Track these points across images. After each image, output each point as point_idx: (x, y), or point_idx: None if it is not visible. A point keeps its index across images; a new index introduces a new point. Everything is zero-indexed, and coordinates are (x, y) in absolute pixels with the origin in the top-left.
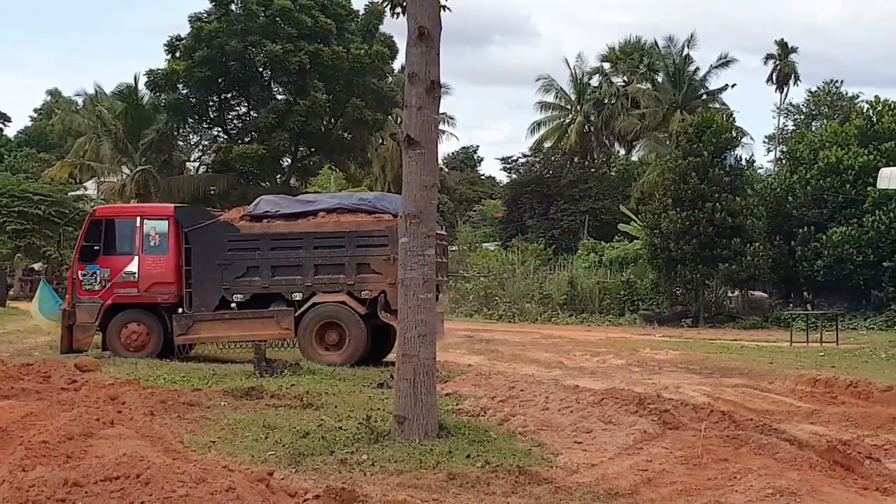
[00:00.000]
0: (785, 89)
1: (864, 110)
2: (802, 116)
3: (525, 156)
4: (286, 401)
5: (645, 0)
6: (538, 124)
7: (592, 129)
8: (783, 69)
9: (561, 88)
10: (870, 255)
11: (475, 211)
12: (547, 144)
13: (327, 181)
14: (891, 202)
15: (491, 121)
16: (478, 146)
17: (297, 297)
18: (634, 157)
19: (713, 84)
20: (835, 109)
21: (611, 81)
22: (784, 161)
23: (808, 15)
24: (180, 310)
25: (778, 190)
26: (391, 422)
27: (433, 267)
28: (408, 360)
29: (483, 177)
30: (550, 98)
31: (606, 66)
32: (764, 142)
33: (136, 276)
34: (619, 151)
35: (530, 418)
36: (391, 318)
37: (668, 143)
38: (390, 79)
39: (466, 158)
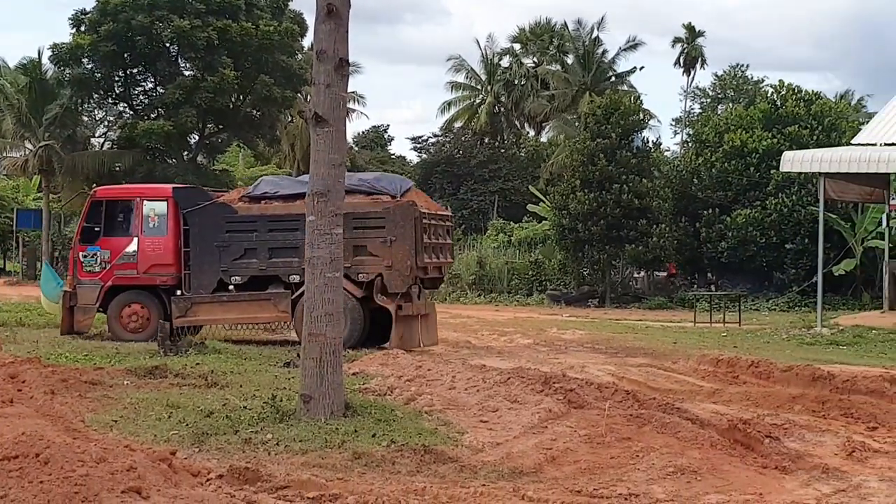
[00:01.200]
0: (692, 73)
1: (769, 94)
2: (708, 100)
3: (435, 136)
4: (190, 380)
5: None
6: (449, 104)
7: (502, 109)
8: (690, 53)
9: (471, 69)
10: (772, 238)
11: None
12: (457, 125)
13: (235, 159)
14: (793, 185)
15: (401, 100)
16: (388, 125)
17: (295, 279)
18: (544, 139)
19: (622, 66)
20: (740, 93)
21: (521, 62)
22: (690, 144)
23: (714, 0)
24: (178, 292)
25: (684, 172)
26: (297, 401)
27: (340, 246)
28: (314, 339)
29: (393, 156)
30: (461, 78)
31: (517, 47)
32: (671, 124)
33: (136, 257)
34: (528, 132)
35: (437, 397)
36: (388, 301)
37: (576, 124)
38: (300, 56)
39: (377, 138)
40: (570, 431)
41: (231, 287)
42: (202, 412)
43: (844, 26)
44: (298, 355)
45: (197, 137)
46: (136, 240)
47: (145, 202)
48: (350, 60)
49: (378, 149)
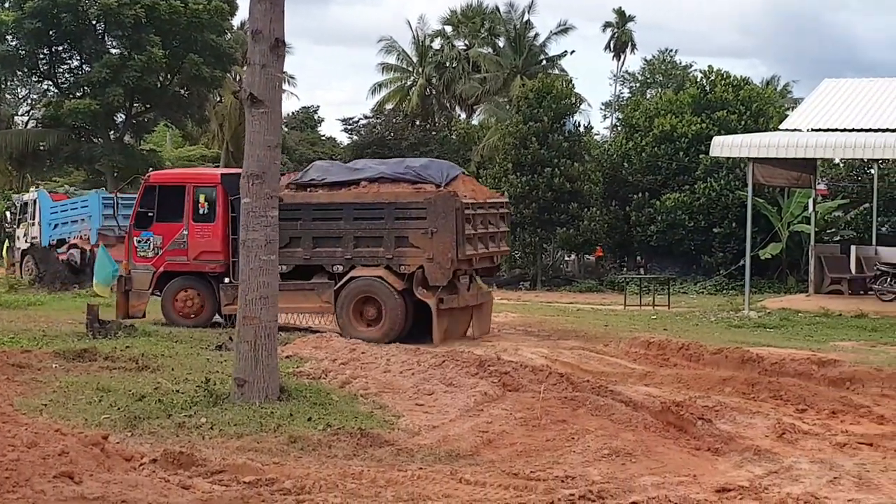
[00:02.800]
0: (622, 57)
1: (699, 80)
2: (638, 84)
3: (366, 117)
4: (121, 363)
5: None
6: (379, 86)
7: (434, 91)
8: (620, 37)
9: (403, 50)
10: (701, 221)
11: None
12: (388, 106)
13: (163, 139)
14: (722, 170)
15: (332, 81)
16: (318, 106)
17: (338, 269)
18: (475, 121)
19: (553, 50)
20: (669, 78)
21: (452, 45)
22: (620, 128)
23: None
24: (226, 279)
25: (614, 156)
26: (230, 385)
27: (276, 228)
28: (249, 323)
29: (324, 137)
30: (392, 60)
31: (448, 29)
32: (601, 108)
33: (186, 244)
34: (460, 115)
35: (372, 381)
36: (428, 294)
37: (508, 107)
38: (229, 35)
39: (307, 118)
40: (505, 414)
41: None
42: (134, 396)
43: (770, 13)
44: (230, 338)
45: (124, 117)
46: (186, 226)
47: (196, 188)
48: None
49: (308, 130)
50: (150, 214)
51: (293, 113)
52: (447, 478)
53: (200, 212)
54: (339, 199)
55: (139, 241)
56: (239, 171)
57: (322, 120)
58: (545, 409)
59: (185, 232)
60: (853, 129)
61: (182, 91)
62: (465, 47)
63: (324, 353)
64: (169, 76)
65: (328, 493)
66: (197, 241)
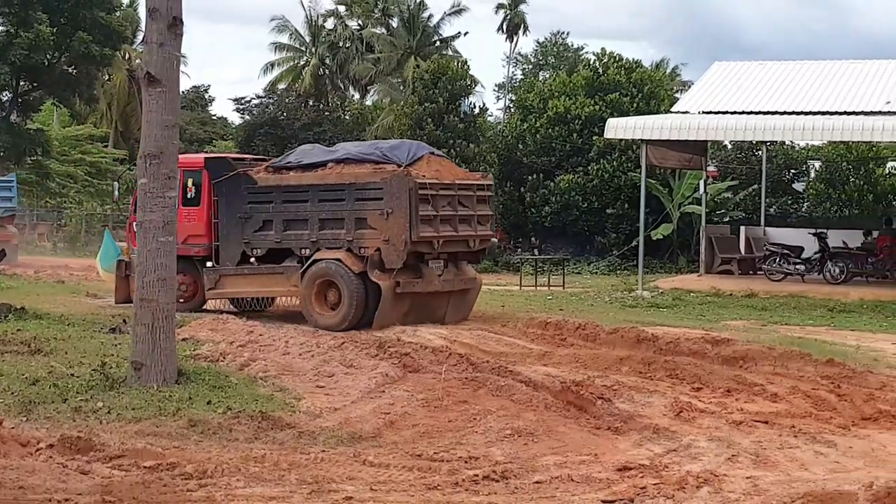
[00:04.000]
0: (514, 39)
1: (591, 62)
2: (531, 66)
3: (259, 97)
4: (12, 346)
5: None
6: (272, 65)
7: (327, 71)
8: (513, 19)
9: (296, 30)
10: (594, 203)
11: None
12: (281, 86)
13: (50, 118)
14: (614, 151)
15: (223, 60)
16: (209, 85)
17: (305, 252)
18: (369, 102)
19: (446, 31)
20: (561, 60)
21: (346, 25)
22: (514, 110)
23: None
24: (209, 263)
25: (509, 138)
26: (127, 368)
27: (174, 209)
28: (146, 305)
29: (215, 117)
30: (285, 39)
31: (342, 9)
32: (494, 90)
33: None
34: (353, 95)
35: (271, 363)
36: (383, 277)
37: (402, 88)
38: (119, 13)
39: (197, 98)
40: (407, 395)
41: (252, 260)
42: (27, 380)
43: None
44: (125, 321)
45: (10, 95)
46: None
47: (184, 172)
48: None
49: (199, 109)
50: None
51: (184, 92)
52: (350, 460)
53: (188, 196)
54: (305, 181)
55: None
56: (218, 156)
57: (213, 99)
58: (446, 389)
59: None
60: (742, 112)
61: (70, 69)
62: (358, 27)
63: (221, 336)
64: (57, 54)
65: (230, 476)
66: (185, 224)
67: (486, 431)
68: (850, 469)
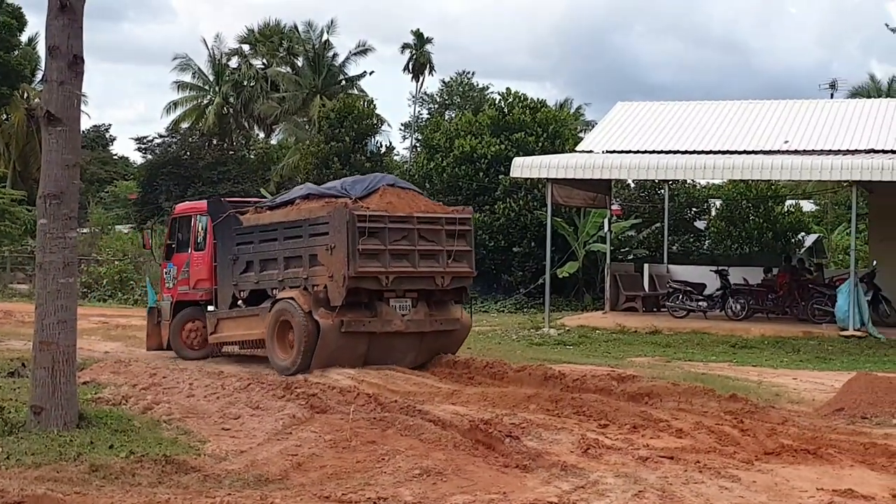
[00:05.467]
0: (420, 78)
1: (497, 101)
2: (436, 105)
3: (161, 136)
4: None
5: None
6: (175, 104)
7: (231, 111)
8: (419, 59)
9: (199, 69)
10: (501, 241)
11: (107, 192)
12: (184, 125)
13: None
14: (520, 190)
15: (124, 99)
16: (110, 125)
17: (275, 293)
18: (274, 141)
19: (352, 71)
20: (466, 100)
21: (250, 64)
22: (420, 149)
23: (440, 7)
24: (210, 308)
25: (416, 177)
26: (26, 412)
27: (74, 250)
28: (46, 348)
29: (116, 157)
30: (188, 78)
31: (246, 48)
32: (400, 129)
33: (188, 272)
34: (258, 134)
35: (175, 406)
36: (325, 315)
37: (307, 127)
38: (17, 52)
39: (98, 137)
40: (314, 437)
41: (240, 302)
42: None
43: (560, 37)
44: (24, 364)
45: None
46: (190, 256)
47: (197, 217)
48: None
49: (99, 149)
50: (172, 246)
51: (84, 131)
52: (257, 503)
53: (198, 240)
54: (275, 220)
55: (166, 273)
56: (216, 198)
57: (114, 139)
58: (354, 430)
59: (189, 261)
60: (645, 151)
61: None
62: (263, 66)
63: (123, 379)
64: None
65: None
66: (195, 269)
67: (394, 471)
68: (753, 503)
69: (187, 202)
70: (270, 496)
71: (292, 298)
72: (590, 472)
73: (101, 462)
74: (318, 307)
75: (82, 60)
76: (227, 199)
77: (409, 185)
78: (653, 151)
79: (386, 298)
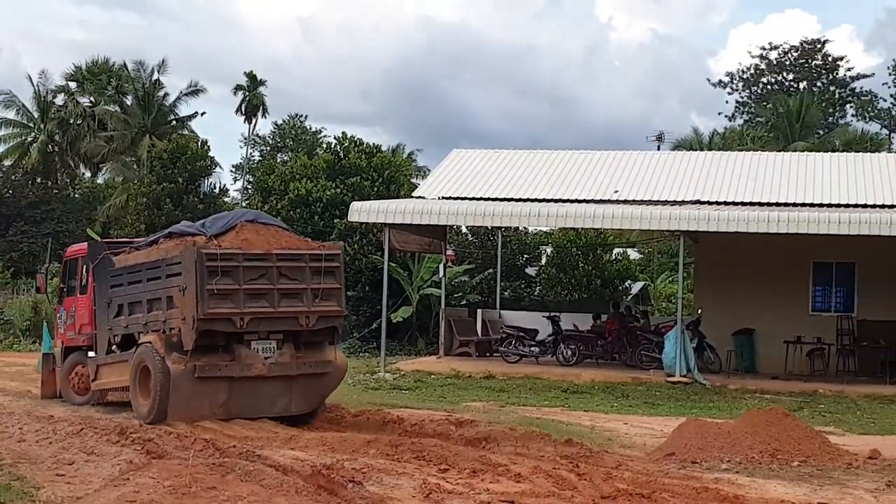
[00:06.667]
0: (254, 120)
1: (332, 145)
2: (269, 148)
3: None
4: None
5: (109, 21)
6: None
7: (57, 149)
8: (252, 101)
9: (23, 105)
10: None
11: None
12: (7, 163)
13: None
14: (356, 234)
15: None
16: None
17: (141, 336)
18: (101, 180)
19: (183, 111)
20: (299, 143)
21: (77, 101)
22: (254, 191)
23: (272, 50)
24: (90, 353)
25: None
26: None
27: None
28: None
29: None
30: (11, 115)
31: (73, 85)
32: (231, 170)
33: (74, 317)
34: (84, 173)
35: (6, 451)
36: (177, 360)
37: (136, 167)
38: None
39: None
40: (153, 483)
41: (114, 347)
42: None
43: (388, 83)
44: None
45: None
46: (75, 299)
47: (81, 260)
48: None
49: None
50: (64, 290)
51: None
52: None
53: (83, 283)
54: (139, 260)
55: (59, 318)
56: (94, 240)
57: None
58: (194, 476)
59: (75, 305)
60: (479, 198)
61: None
62: (90, 104)
63: None
64: None
65: None
66: (80, 313)
67: None
68: None
69: (76, 244)
70: None
71: (150, 343)
72: None
73: None
74: (170, 352)
75: None
76: (107, 240)
77: (274, 220)
78: (487, 198)
79: (247, 341)
